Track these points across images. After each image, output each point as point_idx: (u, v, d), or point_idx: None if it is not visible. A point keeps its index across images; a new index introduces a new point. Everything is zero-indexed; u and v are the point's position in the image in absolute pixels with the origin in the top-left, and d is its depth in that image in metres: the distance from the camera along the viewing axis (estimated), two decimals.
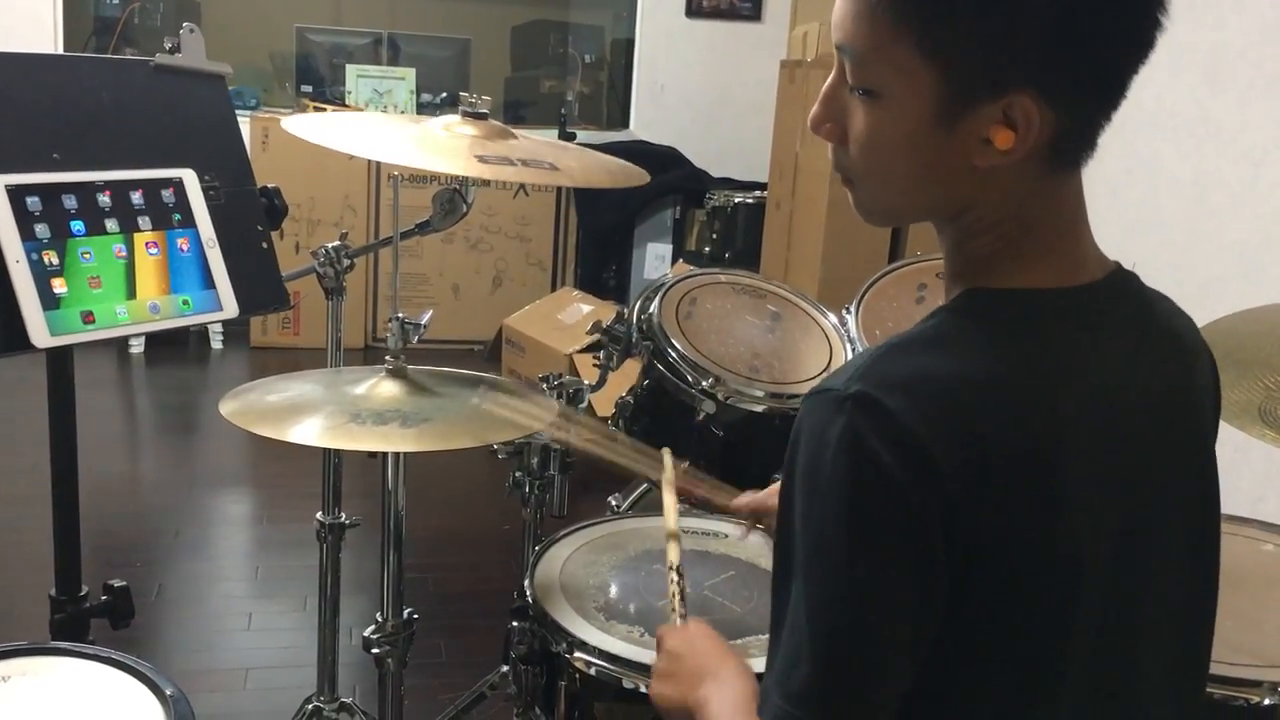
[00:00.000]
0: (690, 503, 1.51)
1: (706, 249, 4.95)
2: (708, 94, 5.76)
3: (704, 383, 1.68)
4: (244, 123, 4.81)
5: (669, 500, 1.41)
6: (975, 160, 0.83)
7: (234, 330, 5.06)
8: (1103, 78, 0.82)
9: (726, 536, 1.72)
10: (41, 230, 1.35)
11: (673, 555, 1.33)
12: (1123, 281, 0.91)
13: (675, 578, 1.30)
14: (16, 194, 1.34)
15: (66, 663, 1.27)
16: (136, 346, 4.88)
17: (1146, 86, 0.85)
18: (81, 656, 1.28)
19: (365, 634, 1.58)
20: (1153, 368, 0.90)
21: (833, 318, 1.92)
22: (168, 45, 1.58)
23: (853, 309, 1.91)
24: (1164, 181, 3.11)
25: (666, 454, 1.46)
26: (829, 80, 0.89)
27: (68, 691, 1.23)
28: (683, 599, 1.26)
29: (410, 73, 5.44)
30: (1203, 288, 2.84)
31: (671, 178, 5.33)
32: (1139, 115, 3.04)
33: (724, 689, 1.01)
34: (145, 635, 2.66)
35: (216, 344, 5.06)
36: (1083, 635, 0.85)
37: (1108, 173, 3.22)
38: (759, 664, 1.38)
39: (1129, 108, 0.86)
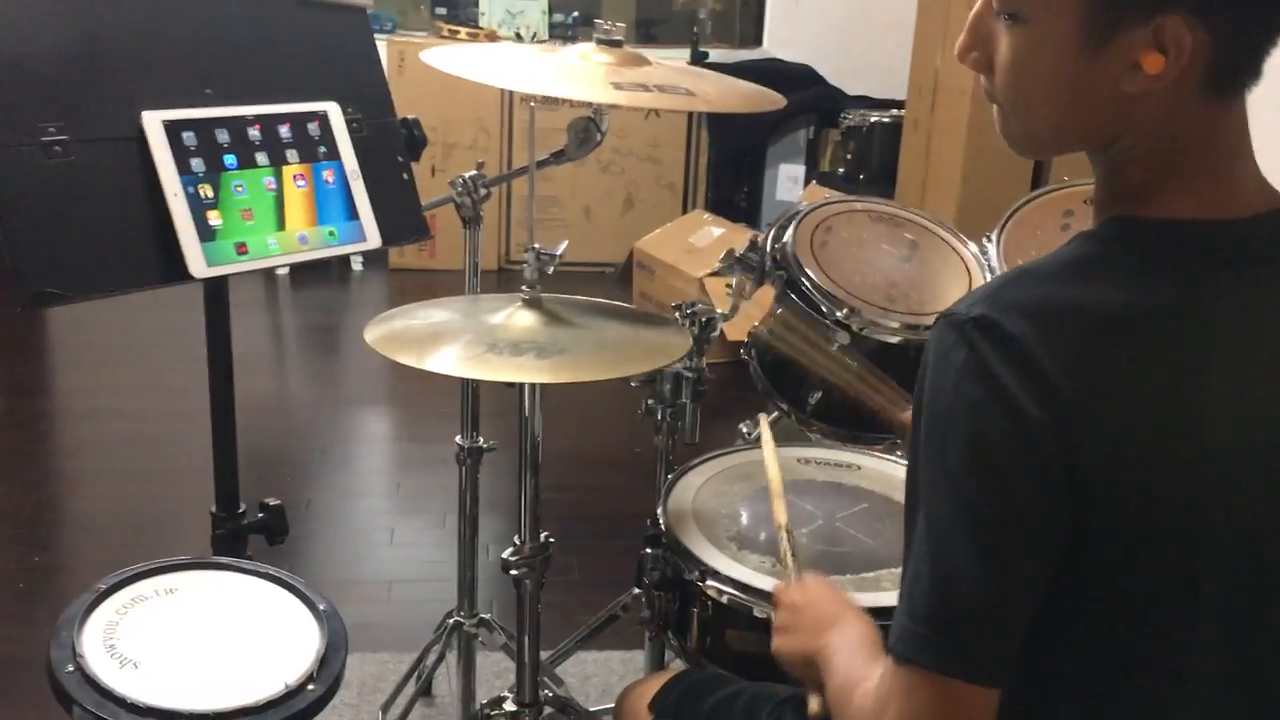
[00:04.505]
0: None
1: (840, 170, 4.85)
2: (844, 7, 5.58)
3: (839, 313, 1.66)
4: (380, 47, 4.85)
5: (771, 463, 1.43)
6: (1124, 86, 0.80)
7: (373, 252, 5.19)
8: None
9: (859, 469, 1.72)
10: (197, 164, 1.40)
11: (780, 515, 1.35)
12: None
13: (785, 535, 1.31)
14: (173, 129, 1.39)
15: (228, 577, 1.35)
16: (283, 270, 5.05)
17: None
18: (242, 571, 1.36)
19: (504, 556, 1.63)
20: None
21: (973, 246, 1.87)
22: None
23: (994, 237, 1.85)
24: None
25: (763, 419, 1.47)
26: (976, 7, 0.87)
27: (230, 604, 1.31)
28: (794, 556, 1.28)
29: None
30: None
31: (805, 97, 5.20)
32: None
33: (845, 633, 1.02)
34: (296, 546, 2.79)
35: (357, 266, 5.20)
36: (1211, 598, 0.82)
37: (1268, 95, 3.03)
38: (891, 597, 1.38)
39: None
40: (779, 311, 1.76)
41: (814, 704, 1.05)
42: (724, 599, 1.41)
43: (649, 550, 1.52)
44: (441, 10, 5.60)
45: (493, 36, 5.19)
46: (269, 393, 3.89)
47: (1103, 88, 0.81)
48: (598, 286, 4.76)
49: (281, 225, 1.47)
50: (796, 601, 1.13)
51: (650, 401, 1.84)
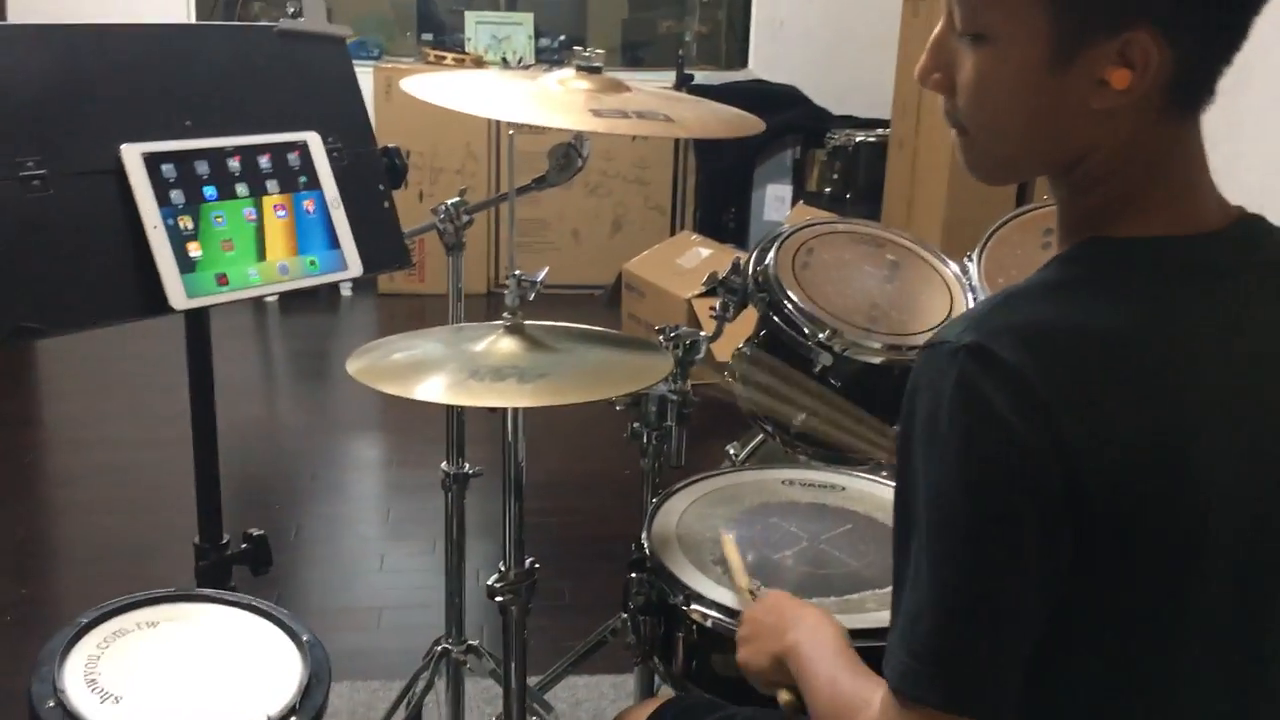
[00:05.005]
0: None
1: (827, 190, 4.88)
2: (828, 29, 5.62)
3: (820, 335, 1.66)
4: (367, 73, 4.88)
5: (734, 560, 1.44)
6: (1091, 103, 0.80)
7: (362, 278, 5.20)
8: (1224, 14, 0.79)
9: (844, 490, 1.72)
10: (176, 196, 1.41)
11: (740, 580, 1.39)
12: (1249, 227, 0.87)
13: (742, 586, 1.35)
14: (153, 161, 1.39)
15: (209, 609, 1.35)
16: (271, 297, 5.06)
17: None
18: (225, 604, 1.35)
19: (489, 583, 1.62)
20: None
21: (954, 266, 1.88)
22: (290, 10, 1.61)
23: (975, 256, 1.86)
24: None
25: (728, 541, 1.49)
26: (937, 28, 0.87)
27: (212, 637, 1.30)
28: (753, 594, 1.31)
29: (528, 18, 5.45)
30: None
31: (791, 117, 5.23)
32: None
33: (812, 632, 1.03)
34: (285, 574, 2.79)
35: (346, 292, 5.20)
36: (1206, 616, 0.83)
37: (1254, 104, 3.05)
38: (875, 618, 1.38)
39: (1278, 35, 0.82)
40: (747, 353, 1.76)
41: (784, 695, 1.06)
42: (708, 623, 1.40)
43: (633, 574, 1.52)
44: (428, 36, 5.63)
45: (479, 62, 5.22)
46: (259, 419, 3.88)
47: (1070, 105, 0.81)
48: (586, 309, 4.77)
49: (262, 255, 1.47)
50: (755, 613, 1.15)
51: (636, 425, 1.84)
